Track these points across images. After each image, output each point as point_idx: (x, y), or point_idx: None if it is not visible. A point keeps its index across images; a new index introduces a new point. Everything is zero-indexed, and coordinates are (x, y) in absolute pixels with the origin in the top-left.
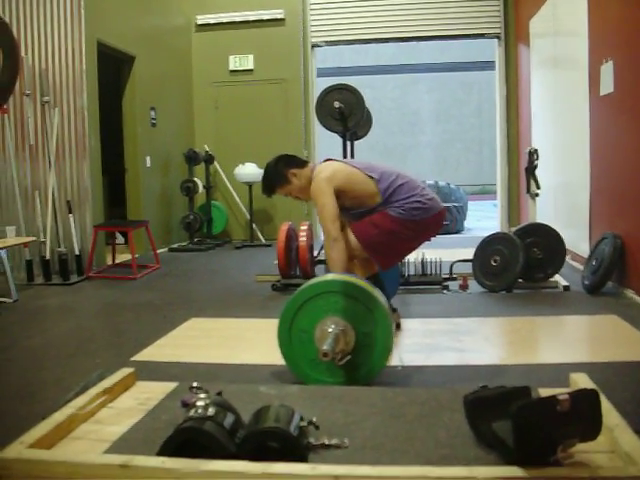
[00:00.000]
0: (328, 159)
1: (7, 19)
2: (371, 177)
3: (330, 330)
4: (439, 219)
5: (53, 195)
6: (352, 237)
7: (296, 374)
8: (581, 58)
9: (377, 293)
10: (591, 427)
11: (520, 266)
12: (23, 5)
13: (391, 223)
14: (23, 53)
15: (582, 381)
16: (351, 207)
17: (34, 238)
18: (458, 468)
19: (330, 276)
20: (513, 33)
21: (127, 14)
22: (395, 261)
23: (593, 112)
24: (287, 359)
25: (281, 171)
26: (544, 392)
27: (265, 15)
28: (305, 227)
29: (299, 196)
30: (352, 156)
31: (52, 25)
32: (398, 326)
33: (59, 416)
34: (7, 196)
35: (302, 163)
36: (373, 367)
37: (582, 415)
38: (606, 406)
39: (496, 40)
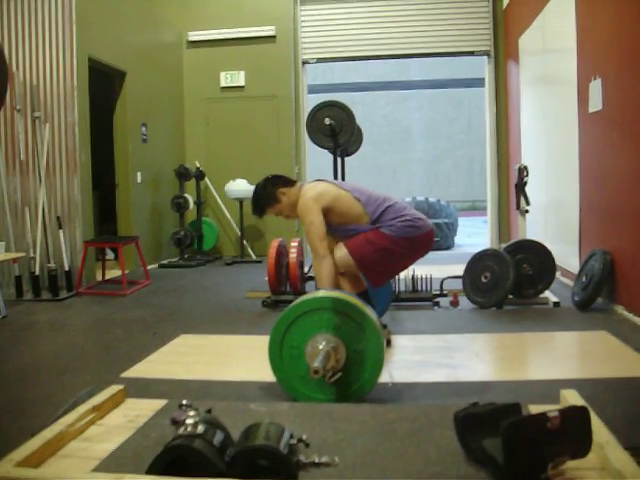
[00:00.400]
0: (317, 179)
1: None
2: (358, 199)
3: (321, 347)
4: (430, 237)
5: (43, 211)
6: (339, 254)
7: (287, 391)
8: (570, 75)
9: (368, 310)
10: (581, 444)
11: (510, 282)
12: (15, 21)
13: (385, 240)
14: (14, 69)
15: (572, 398)
16: (338, 225)
17: (23, 254)
18: None
19: (321, 293)
20: (503, 50)
21: (118, 30)
22: (387, 279)
23: (582, 129)
24: (278, 376)
25: (270, 191)
26: (534, 409)
27: (256, 32)
28: (295, 244)
29: (289, 215)
30: (343, 172)
31: (43, 41)
32: (389, 343)
33: (48, 433)
34: None
35: (290, 182)
36: (364, 384)
37: (572, 432)
38: (596, 423)
39: (486, 57)
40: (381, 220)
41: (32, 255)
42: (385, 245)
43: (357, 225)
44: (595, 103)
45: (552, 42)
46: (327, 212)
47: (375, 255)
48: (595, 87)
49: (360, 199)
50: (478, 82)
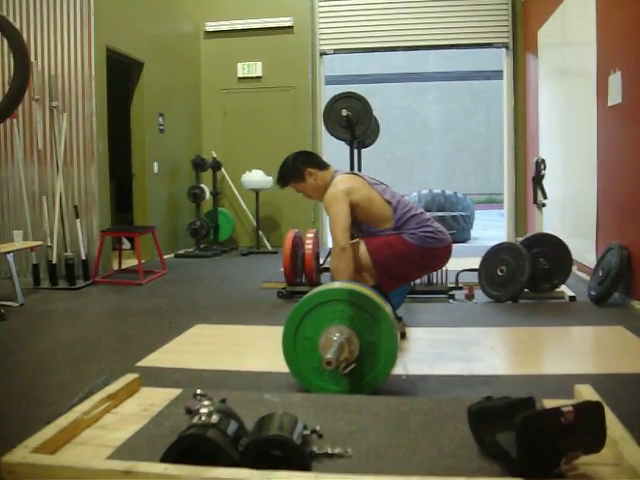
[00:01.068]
0: (352, 173)
1: (17, 24)
2: (389, 203)
3: (335, 338)
4: (447, 251)
5: (60, 200)
6: (363, 250)
7: (300, 382)
8: (589, 68)
9: (382, 302)
10: (595, 439)
11: (526, 276)
12: (33, 11)
13: (404, 247)
14: (33, 58)
15: (587, 393)
16: (361, 223)
17: (41, 242)
18: (461, 479)
19: (336, 284)
20: (521, 43)
21: (136, 20)
22: (397, 285)
23: (601, 122)
24: (291, 367)
25: (299, 167)
26: (548, 403)
27: (274, 23)
28: (311, 235)
29: (311, 196)
30: (359, 164)
31: (62, 31)
32: (403, 335)
33: (63, 421)
34: (15, 200)
35: (322, 165)
36: (377, 376)
37: (586, 427)
38: (611, 418)
39: (504, 49)
40: (404, 227)
41: (49, 244)
42: (404, 251)
43: (379, 228)
44: (614, 96)
45: (571, 35)
46: (354, 207)
47: (392, 259)
48: (614, 80)
49: (391, 203)
50: (497, 74)
